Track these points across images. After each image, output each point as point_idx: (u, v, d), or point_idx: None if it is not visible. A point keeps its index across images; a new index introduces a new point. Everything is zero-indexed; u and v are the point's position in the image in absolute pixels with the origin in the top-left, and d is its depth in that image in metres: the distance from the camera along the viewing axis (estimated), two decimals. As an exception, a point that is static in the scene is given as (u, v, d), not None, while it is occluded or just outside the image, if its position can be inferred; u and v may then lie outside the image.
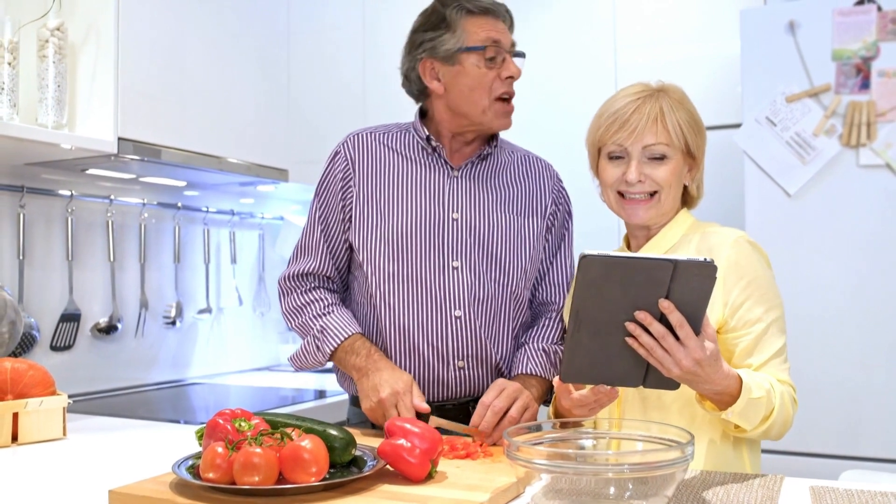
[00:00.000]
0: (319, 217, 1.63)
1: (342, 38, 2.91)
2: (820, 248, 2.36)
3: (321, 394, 2.47)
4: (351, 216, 1.59)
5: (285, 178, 2.59)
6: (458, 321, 1.54)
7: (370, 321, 1.59)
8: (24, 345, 2.18)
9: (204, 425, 1.23)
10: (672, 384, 1.17)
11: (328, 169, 1.64)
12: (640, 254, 1.37)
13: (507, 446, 1.03)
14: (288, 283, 1.66)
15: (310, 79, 2.72)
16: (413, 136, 1.63)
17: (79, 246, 2.38)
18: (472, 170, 1.61)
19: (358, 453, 1.22)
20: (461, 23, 1.54)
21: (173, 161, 2.20)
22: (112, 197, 2.45)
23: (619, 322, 1.11)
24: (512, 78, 1.56)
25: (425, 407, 1.42)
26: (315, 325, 1.58)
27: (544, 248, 1.65)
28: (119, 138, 2.02)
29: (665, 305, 1.09)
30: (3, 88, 1.85)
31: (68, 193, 2.33)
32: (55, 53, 1.94)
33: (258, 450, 1.07)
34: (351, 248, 1.61)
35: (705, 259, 1.06)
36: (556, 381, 1.26)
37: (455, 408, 1.56)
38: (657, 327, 1.10)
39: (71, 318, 2.33)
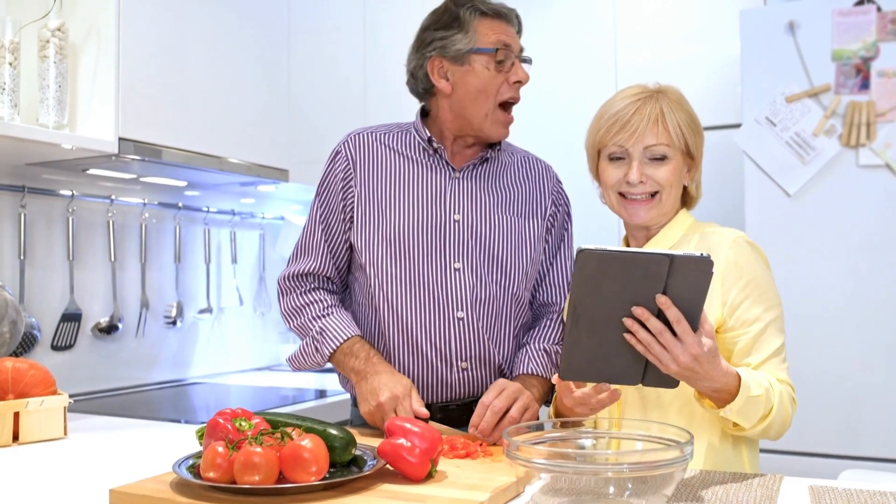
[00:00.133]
0: (320, 217, 1.63)
1: (343, 39, 2.92)
2: (820, 248, 2.36)
3: (321, 393, 2.48)
4: (352, 216, 1.59)
5: (286, 178, 2.60)
6: (461, 322, 1.54)
7: (372, 322, 1.59)
8: (25, 344, 2.18)
9: (204, 425, 1.23)
10: (671, 382, 1.17)
11: (329, 168, 1.63)
12: (636, 248, 1.38)
13: (507, 446, 1.03)
14: (287, 282, 1.66)
15: (310, 79, 2.72)
16: (414, 136, 1.63)
17: (80, 246, 2.38)
18: (472, 172, 1.62)
19: (358, 453, 1.22)
20: (474, 24, 1.54)
21: (174, 161, 2.21)
22: (113, 197, 2.46)
23: (616, 318, 1.12)
24: (519, 83, 1.56)
25: (424, 412, 1.42)
26: (314, 326, 1.58)
27: (544, 249, 1.66)
28: (120, 138, 2.02)
29: (662, 301, 1.09)
30: (4, 89, 1.86)
31: (69, 193, 2.33)
32: (56, 54, 1.95)
33: (258, 449, 1.07)
34: (352, 248, 1.61)
35: (701, 254, 1.06)
36: (555, 378, 1.26)
37: (459, 408, 1.56)
38: (654, 323, 1.11)
39: (72, 317, 2.34)
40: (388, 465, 1.18)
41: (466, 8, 1.55)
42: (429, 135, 1.60)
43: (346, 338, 1.55)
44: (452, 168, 1.60)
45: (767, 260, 1.41)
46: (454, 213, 1.57)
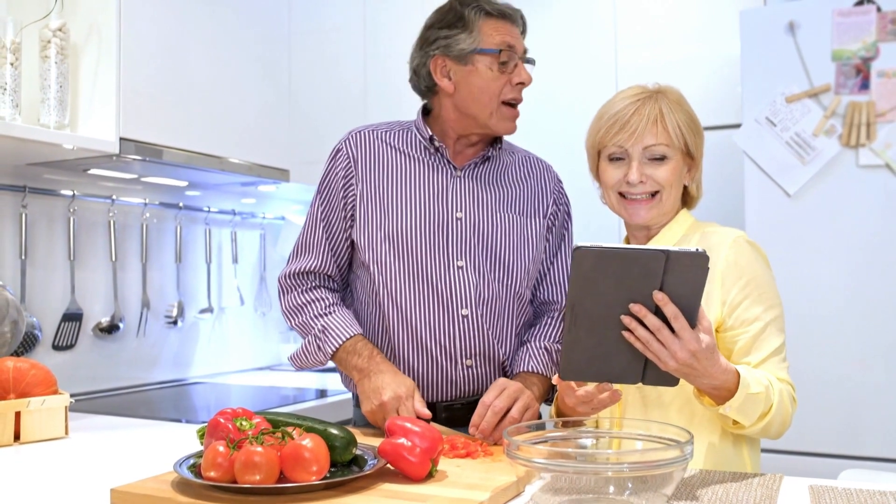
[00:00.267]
0: (321, 215, 1.63)
1: (343, 39, 2.92)
2: (819, 248, 2.37)
3: (322, 393, 2.48)
4: (353, 214, 1.59)
5: (286, 178, 2.60)
6: (465, 320, 1.54)
7: (376, 321, 1.59)
8: (27, 344, 2.19)
9: (205, 424, 1.23)
10: (671, 380, 1.17)
11: (330, 166, 1.63)
12: (632, 245, 1.38)
13: (507, 445, 1.03)
14: (288, 280, 1.66)
15: (311, 79, 2.73)
16: (415, 135, 1.63)
17: (81, 246, 2.39)
18: (474, 170, 1.62)
19: (358, 452, 1.22)
20: (478, 24, 1.53)
21: (175, 161, 2.21)
22: (114, 197, 2.46)
23: (614, 316, 1.12)
24: (522, 84, 1.56)
25: (427, 413, 1.42)
26: (316, 324, 1.58)
27: (545, 248, 1.66)
28: (121, 138, 2.02)
29: (659, 297, 1.09)
30: (5, 89, 1.86)
31: (70, 193, 2.33)
32: (57, 54, 1.95)
33: (259, 449, 1.07)
34: (353, 246, 1.61)
35: (697, 249, 1.06)
36: (555, 379, 1.26)
37: (464, 406, 1.56)
38: (652, 319, 1.11)
39: (73, 317, 2.34)
40: (388, 465, 1.18)
41: (471, 7, 1.54)
42: (430, 133, 1.60)
43: (348, 336, 1.55)
44: (454, 166, 1.60)
45: (768, 259, 1.41)
46: (456, 210, 1.57)
